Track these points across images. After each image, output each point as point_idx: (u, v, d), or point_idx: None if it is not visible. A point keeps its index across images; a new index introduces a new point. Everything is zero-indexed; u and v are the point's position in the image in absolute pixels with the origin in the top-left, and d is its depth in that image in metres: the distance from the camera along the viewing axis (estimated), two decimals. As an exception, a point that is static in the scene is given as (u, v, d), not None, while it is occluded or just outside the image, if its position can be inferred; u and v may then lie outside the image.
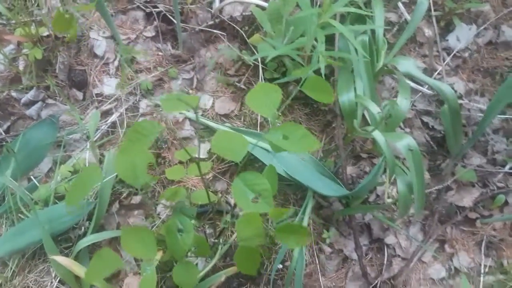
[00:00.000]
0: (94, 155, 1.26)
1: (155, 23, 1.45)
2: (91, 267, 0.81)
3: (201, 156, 1.32)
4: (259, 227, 0.71)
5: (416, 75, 1.12)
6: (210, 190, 1.27)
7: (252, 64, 1.41)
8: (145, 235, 0.80)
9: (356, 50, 1.18)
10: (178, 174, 1.02)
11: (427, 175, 1.35)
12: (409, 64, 1.12)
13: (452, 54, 1.49)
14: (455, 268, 1.30)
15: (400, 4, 1.53)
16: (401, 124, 1.42)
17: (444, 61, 1.48)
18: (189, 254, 0.96)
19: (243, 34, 1.43)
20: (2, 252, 1.14)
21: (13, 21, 1.37)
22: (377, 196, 1.31)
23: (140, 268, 1.14)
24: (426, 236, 1.29)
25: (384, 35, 1.43)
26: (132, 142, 0.67)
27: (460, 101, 1.39)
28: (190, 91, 1.41)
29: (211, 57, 1.43)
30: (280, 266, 1.23)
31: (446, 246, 1.32)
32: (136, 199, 1.25)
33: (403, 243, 1.29)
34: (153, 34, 1.45)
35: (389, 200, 1.13)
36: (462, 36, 1.51)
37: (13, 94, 1.33)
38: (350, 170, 1.34)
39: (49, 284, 1.15)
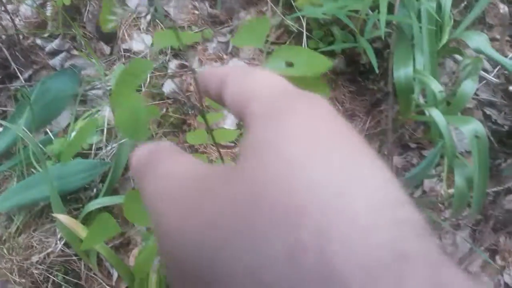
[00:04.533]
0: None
1: (194, -22, 1.33)
2: (90, 231, 0.71)
3: (229, 127, 1.20)
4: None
5: (489, 53, 0.95)
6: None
7: (296, 31, 1.27)
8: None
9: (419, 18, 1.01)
10: (200, 139, 0.89)
11: (484, 175, 1.18)
12: (481, 40, 0.95)
13: (527, 40, 1.29)
14: (505, 283, 1.13)
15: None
16: (459, 115, 1.24)
17: (517, 47, 1.29)
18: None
19: (289, -4, 1.29)
20: (8, 205, 1.06)
21: (45, -36, 1.29)
22: (424, 192, 1.15)
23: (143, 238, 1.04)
24: (476, 243, 1.13)
25: (451, 11, 1.25)
26: (121, 85, 0.55)
27: (532, 94, 1.20)
28: (225, 56, 1.29)
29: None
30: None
31: (498, 257, 1.14)
32: (155, 166, 1.15)
33: (449, 248, 1.12)
34: (191, -10, 1.33)
35: (442, 192, 0.97)
36: (542, 20, 1.30)
37: (38, 41, 1.25)
38: (395, 160, 1.18)
39: (53, 245, 1.07)
